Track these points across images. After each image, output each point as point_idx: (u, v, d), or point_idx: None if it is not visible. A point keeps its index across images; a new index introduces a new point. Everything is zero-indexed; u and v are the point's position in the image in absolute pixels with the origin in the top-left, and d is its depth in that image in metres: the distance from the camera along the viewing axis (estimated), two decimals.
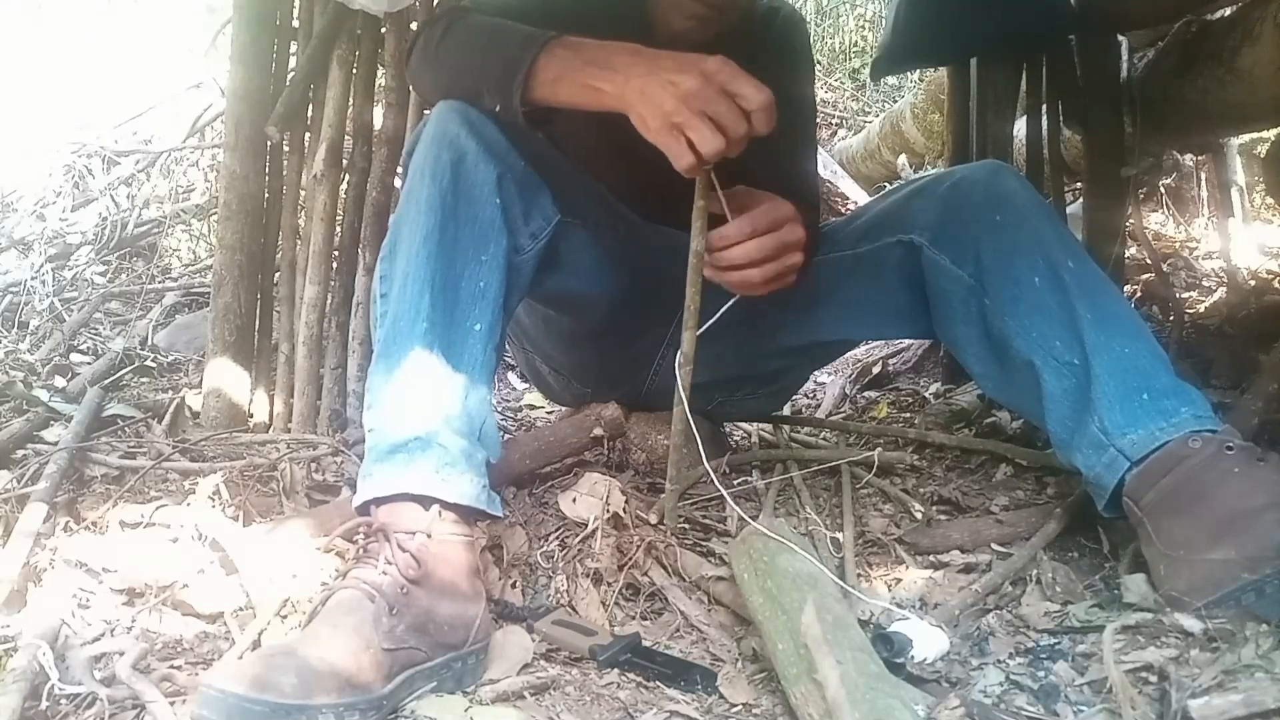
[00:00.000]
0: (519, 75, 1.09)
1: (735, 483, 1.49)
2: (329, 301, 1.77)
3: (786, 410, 2.00)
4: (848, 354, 2.57)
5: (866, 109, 6.06)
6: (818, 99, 1.55)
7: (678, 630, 1.11)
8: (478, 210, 1.14)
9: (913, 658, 0.94)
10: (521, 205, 1.18)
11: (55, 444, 1.51)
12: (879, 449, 1.47)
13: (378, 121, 1.82)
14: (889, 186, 4.02)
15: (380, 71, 1.84)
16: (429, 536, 1.00)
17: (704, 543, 1.29)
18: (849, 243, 1.42)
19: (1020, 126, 2.21)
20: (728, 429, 1.81)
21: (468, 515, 1.07)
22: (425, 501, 1.03)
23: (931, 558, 1.24)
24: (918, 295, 1.35)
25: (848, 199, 4.21)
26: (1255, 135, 2.76)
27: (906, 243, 1.33)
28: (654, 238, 1.44)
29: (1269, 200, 3.18)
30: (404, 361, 1.09)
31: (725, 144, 1.00)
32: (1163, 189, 3.23)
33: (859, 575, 1.18)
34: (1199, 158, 3.04)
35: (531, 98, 1.10)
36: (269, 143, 1.77)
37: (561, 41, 1.10)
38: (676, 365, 1.22)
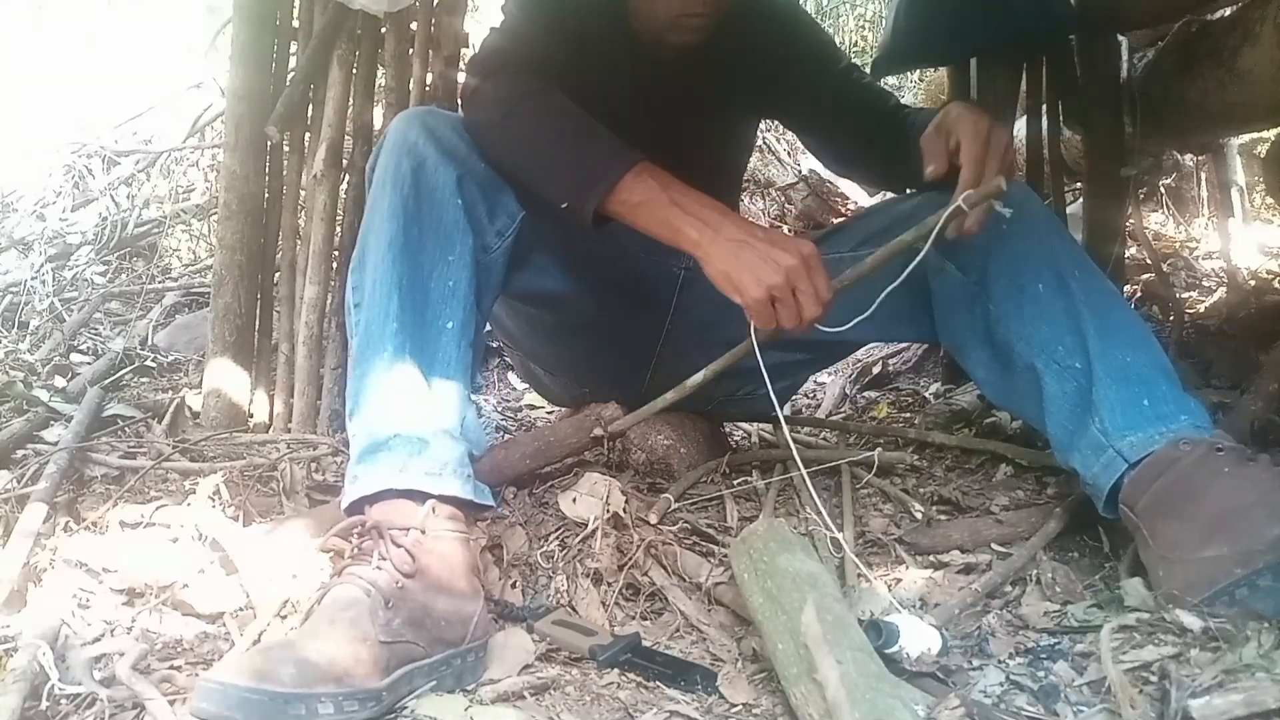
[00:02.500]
0: (599, 188, 1.13)
1: (735, 482, 1.49)
2: (329, 301, 1.77)
3: (786, 410, 2.00)
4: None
5: None
6: None
7: (678, 630, 1.11)
8: (440, 213, 1.17)
9: (901, 649, 0.94)
10: (485, 205, 1.20)
11: (55, 444, 1.51)
12: (879, 449, 1.47)
13: (378, 121, 1.82)
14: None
15: (380, 71, 1.84)
16: (423, 533, 1.01)
17: (704, 544, 1.29)
18: (851, 245, 1.42)
19: (1020, 126, 2.21)
20: (727, 429, 1.80)
21: (462, 509, 1.08)
22: (417, 497, 1.04)
23: (931, 558, 1.24)
24: (920, 298, 1.35)
25: (848, 199, 4.21)
26: (1255, 135, 2.76)
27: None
28: (633, 235, 1.43)
29: (1269, 200, 3.19)
30: (379, 362, 1.11)
31: (802, 324, 1.09)
32: (1163, 189, 3.23)
33: (859, 575, 1.18)
34: (1199, 158, 3.04)
35: (604, 210, 1.15)
36: (269, 143, 1.77)
37: (649, 168, 1.15)
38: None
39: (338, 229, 1.79)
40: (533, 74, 1.22)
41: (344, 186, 1.78)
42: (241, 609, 1.08)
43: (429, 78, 1.79)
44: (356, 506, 1.07)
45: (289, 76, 1.81)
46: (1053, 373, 1.17)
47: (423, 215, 1.16)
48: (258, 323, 1.81)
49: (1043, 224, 1.25)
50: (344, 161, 1.77)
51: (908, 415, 2.05)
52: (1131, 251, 2.45)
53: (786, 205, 4.34)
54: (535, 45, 1.28)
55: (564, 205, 1.17)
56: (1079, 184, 2.45)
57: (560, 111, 1.19)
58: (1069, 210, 2.30)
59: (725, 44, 1.44)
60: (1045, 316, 1.19)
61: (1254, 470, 1.00)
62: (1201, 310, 2.41)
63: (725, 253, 1.10)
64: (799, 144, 4.18)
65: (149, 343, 2.60)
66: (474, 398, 1.30)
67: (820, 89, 1.53)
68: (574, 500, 1.29)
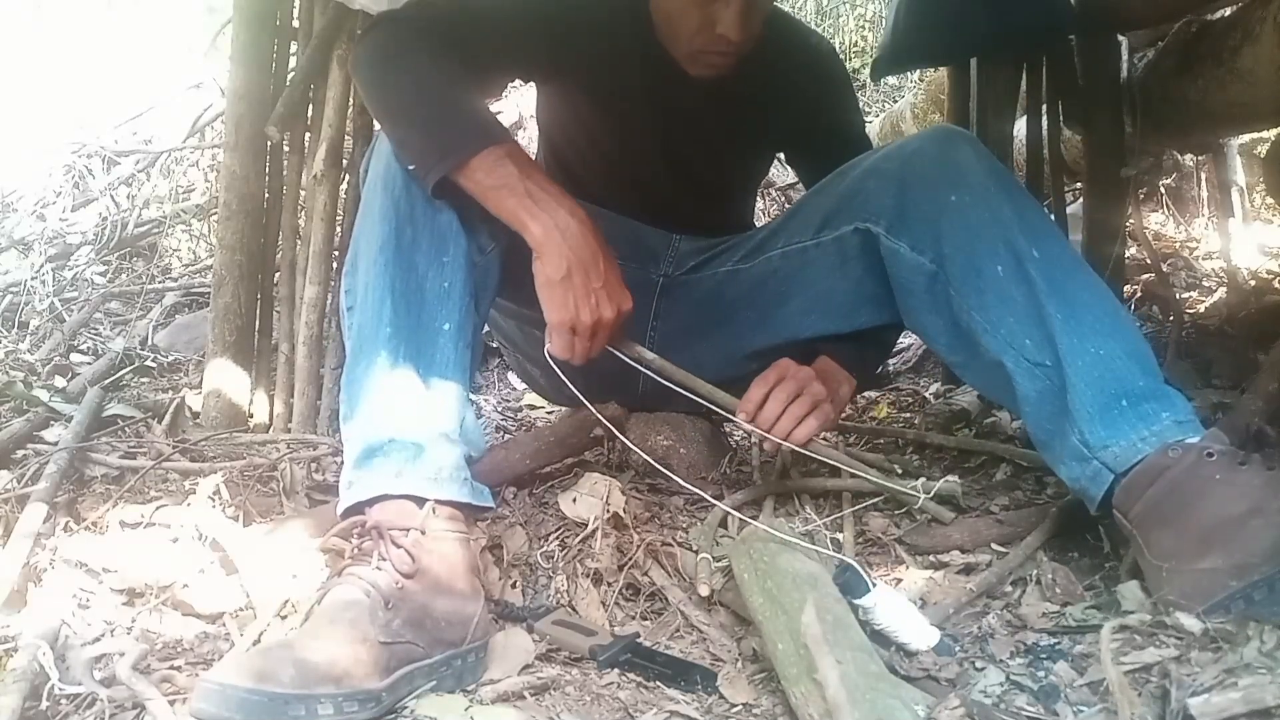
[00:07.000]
0: (450, 161, 1.11)
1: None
2: (329, 301, 1.77)
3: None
4: None
5: (866, 109, 6.05)
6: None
7: (678, 630, 1.11)
8: (434, 213, 1.15)
9: (863, 607, 0.96)
10: (479, 206, 1.17)
11: (55, 444, 1.51)
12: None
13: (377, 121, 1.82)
14: None
15: None
16: (423, 533, 1.01)
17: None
18: (808, 231, 1.39)
19: (1020, 126, 2.21)
20: (727, 429, 1.80)
21: (462, 511, 1.08)
22: (418, 499, 1.03)
23: (931, 558, 1.24)
24: (881, 279, 1.30)
25: None
26: (1255, 135, 2.76)
27: (863, 230, 1.29)
28: (620, 238, 1.39)
29: (1269, 200, 3.18)
30: (372, 367, 1.10)
31: (584, 357, 1.15)
32: (1163, 189, 3.23)
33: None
34: (1199, 158, 3.04)
35: (456, 181, 1.13)
36: (269, 143, 1.77)
37: (512, 151, 1.12)
38: None
39: (338, 229, 1.79)
40: (443, 44, 1.22)
41: (344, 186, 1.78)
42: (241, 609, 1.08)
43: None
44: (352, 511, 1.06)
45: (289, 76, 1.81)
46: (1023, 371, 1.13)
47: (416, 217, 1.14)
48: (258, 323, 1.81)
49: (991, 189, 1.19)
50: (344, 161, 1.77)
51: (907, 415, 2.05)
52: (1131, 251, 2.45)
53: (786, 205, 4.34)
54: (476, 25, 1.27)
55: (410, 167, 1.15)
56: (1079, 184, 2.45)
57: (440, 77, 1.19)
58: (1069, 210, 2.30)
59: (760, 76, 1.44)
60: (1007, 304, 1.14)
61: (1246, 476, 0.98)
62: (1201, 310, 2.41)
63: (561, 266, 1.10)
64: None
65: (149, 343, 2.60)
66: (474, 398, 1.29)
67: (817, 140, 1.58)
68: (574, 500, 1.29)
